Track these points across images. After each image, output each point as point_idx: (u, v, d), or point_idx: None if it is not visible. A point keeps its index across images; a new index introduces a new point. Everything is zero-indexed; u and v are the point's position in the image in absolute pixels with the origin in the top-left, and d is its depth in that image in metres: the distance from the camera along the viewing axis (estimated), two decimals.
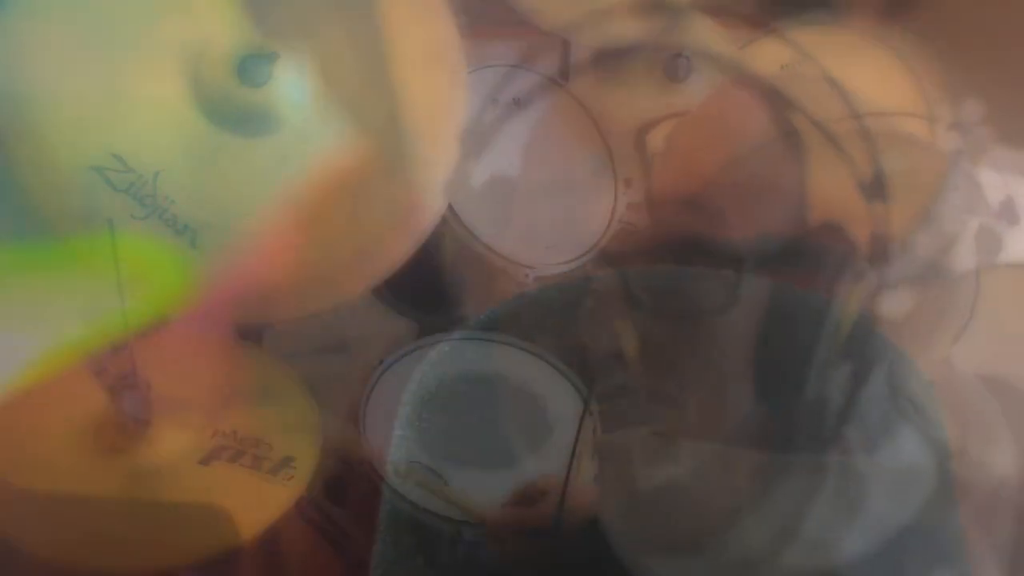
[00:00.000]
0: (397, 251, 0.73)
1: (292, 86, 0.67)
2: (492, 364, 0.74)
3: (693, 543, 0.49)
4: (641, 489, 0.52)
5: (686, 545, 0.50)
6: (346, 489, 0.85)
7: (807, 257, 0.52)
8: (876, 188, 0.51)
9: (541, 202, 0.95)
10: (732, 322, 0.52)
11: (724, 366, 0.53)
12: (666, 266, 0.56)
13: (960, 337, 0.71)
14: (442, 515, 0.66)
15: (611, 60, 1.04)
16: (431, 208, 0.75)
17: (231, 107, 0.66)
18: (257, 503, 0.67)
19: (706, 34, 1.03)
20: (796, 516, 0.48)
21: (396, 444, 0.70)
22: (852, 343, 0.51)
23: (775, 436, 0.51)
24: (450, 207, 0.84)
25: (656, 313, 0.54)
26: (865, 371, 0.51)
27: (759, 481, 0.50)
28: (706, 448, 0.52)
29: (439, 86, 0.75)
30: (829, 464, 0.50)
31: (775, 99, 0.54)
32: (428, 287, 0.81)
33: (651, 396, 0.58)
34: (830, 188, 0.53)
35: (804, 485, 0.49)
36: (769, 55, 1.01)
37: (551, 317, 0.73)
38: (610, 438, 0.57)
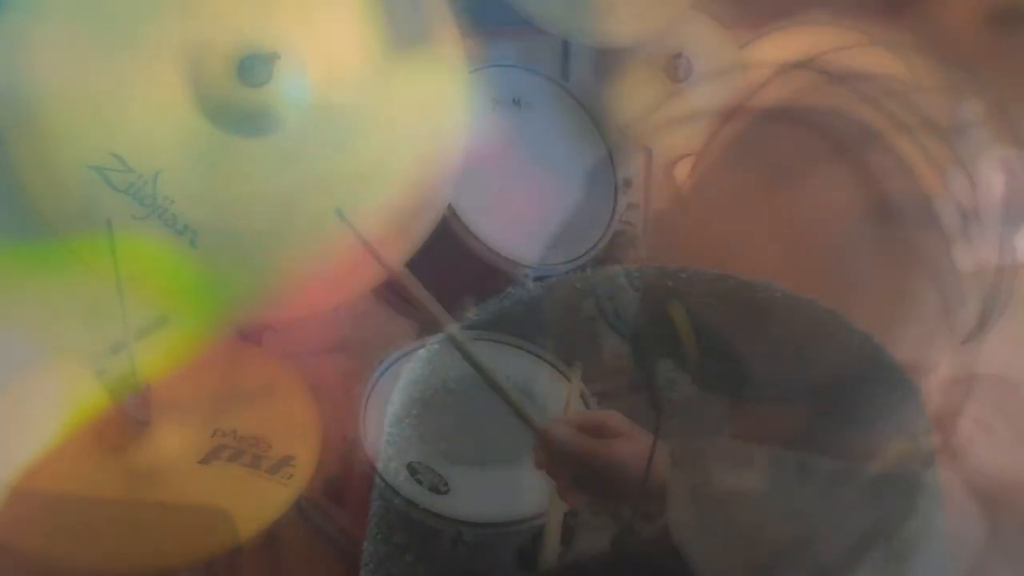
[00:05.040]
0: (398, 251, 0.73)
1: (292, 86, 0.67)
2: (486, 362, 0.74)
3: (766, 550, 0.48)
4: (714, 494, 0.51)
5: (759, 552, 0.49)
6: (346, 489, 0.85)
7: None
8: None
9: (541, 202, 0.95)
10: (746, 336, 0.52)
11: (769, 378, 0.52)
12: (667, 267, 0.55)
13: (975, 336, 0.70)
14: (442, 515, 0.66)
15: (611, 60, 1.04)
16: (432, 208, 0.75)
17: (231, 107, 0.66)
18: (257, 503, 0.67)
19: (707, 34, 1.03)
20: (871, 525, 0.48)
21: (388, 442, 0.70)
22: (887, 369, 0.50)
23: (841, 446, 0.50)
24: (451, 207, 0.84)
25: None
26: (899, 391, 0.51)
27: (834, 489, 0.49)
28: (781, 455, 0.51)
29: (440, 86, 0.75)
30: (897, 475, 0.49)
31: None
32: (428, 287, 0.81)
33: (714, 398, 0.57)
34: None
35: (876, 495, 0.48)
36: (769, 55, 1.02)
37: (545, 315, 0.73)
38: (685, 443, 0.55)
